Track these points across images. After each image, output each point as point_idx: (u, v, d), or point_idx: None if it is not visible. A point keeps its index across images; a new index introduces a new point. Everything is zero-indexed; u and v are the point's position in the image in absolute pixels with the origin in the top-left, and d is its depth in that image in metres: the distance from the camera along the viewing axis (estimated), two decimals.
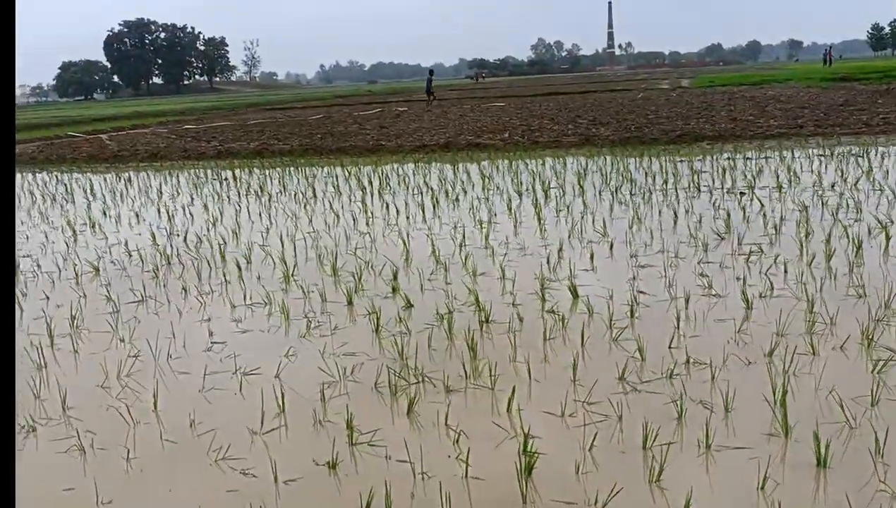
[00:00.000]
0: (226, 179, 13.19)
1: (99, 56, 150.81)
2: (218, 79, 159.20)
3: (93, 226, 9.51)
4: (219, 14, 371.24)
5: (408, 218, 8.94)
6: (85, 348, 5.11)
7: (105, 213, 10.37)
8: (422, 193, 10.58)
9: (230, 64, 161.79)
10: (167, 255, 7.59)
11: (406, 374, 4.29)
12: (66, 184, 13.82)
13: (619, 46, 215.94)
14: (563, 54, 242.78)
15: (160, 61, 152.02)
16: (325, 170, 13.77)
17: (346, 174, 12.90)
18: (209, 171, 14.54)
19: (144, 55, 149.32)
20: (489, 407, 3.89)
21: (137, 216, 10.07)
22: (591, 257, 6.69)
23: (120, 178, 14.31)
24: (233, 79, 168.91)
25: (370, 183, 11.62)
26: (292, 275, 6.54)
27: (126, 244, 8.33)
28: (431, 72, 35.40)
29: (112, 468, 3.47)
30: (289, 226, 8.86)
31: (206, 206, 10.52)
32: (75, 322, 5.57)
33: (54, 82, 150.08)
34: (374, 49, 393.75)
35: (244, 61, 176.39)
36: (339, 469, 3.34)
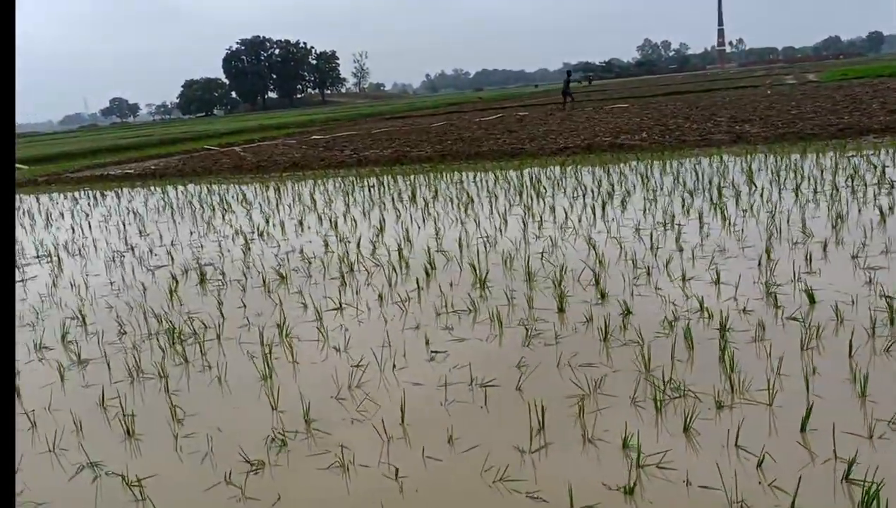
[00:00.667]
0: (372, 186, 13.17)
1: (218, 73, 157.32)
2: (329, 91, 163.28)
3: (261, 234, 9.59)
4: (329, 29, 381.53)
5: (579, 220, 8.58)
6: (302, 357, 4.99)
7: (268, 221, 10.47)
8: (582, 195, 10.19)
9: (341, 76, 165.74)
10: (349, 262, 7.49)
11: (661, 387, 3.93)
12: (219, 195, 14.14)
13: (730, 43, 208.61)
14: (671, 54, 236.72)
15: (275, 76, 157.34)
16: (471, 174, 13.56)
17: (495, 178, 12.65)
18: (352, 179, 14.59)
19: (260, 71, 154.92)
20: (780, 426, 3.48)
21: (301, 223, 10.09)
22: (808, 258, 6.15)
23: (268, 187, 14.54)
24: (343, 91, 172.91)
25: (523, 186, 11.31)
26: (485, 281, 6.29)
27: (301, 251, 8.31)
28: (569, 73, 34.57)
29: (383, 488, 3.26)
30: (458, 230, 8.65)
31: (365, 213, 10.47)
32: (283, 330, 5.48)
33: (178, 100, 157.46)
34: (477, 57, 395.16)
35: (353, 73, 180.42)
36: (638, 494, 3.01)
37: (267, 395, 4.32)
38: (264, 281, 7.02)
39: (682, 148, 14.86)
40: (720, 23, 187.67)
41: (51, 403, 4.56)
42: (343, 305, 6.06)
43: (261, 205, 12.28)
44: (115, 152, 32.99)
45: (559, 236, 7.87)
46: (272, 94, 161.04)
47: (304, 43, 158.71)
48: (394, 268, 7.07)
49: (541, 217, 8.97)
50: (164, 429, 4.04)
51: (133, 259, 8.91)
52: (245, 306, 6.34)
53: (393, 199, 11.42)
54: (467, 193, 11.17)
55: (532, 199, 10.21)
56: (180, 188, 16.26)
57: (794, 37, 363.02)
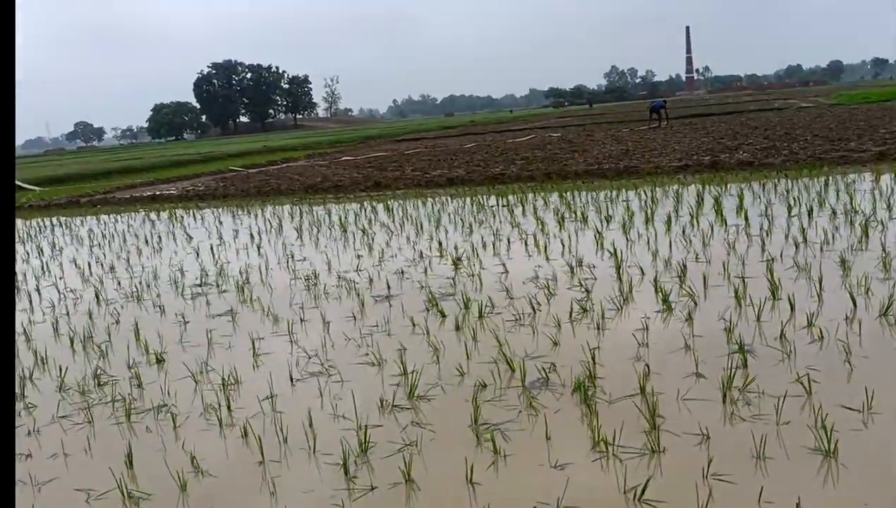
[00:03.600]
0: (503, 206, 12.07)
1: (187, 97, 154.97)
2: (300, 116, 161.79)
3: (460, 259, 8.39)
4: (289, 52, 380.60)
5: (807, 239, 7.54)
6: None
7: (440, 243, 9.28)
8: (768, 207, 9.24)
9: (313, 101, 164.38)
10: (627, 289, 6.36)
11: None
12: (339, 215, 12.89)
13: (697, 71, 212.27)
14: (638, 80, 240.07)
15: (246, 100, 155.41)
16: (608, 193, 12.52)
17: (641, 196, 11.62)
18: (466, 200, 13.46)
19: (231, 95, 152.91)
20: None
21: (491, 246, 8.94)
22: None
23: (374, 208, 13.32)
24: (312, 116, 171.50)
25: (678, 203, 10.29)
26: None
27: (551, 276, 7.16)
28: (665, 101, 34.82)
29: None
30: (683, 251, 7.60)
31: (562, 234, 9.34)
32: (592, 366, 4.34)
33: (146, 124, 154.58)
34: (443, 83, 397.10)
35: (325, 98, 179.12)
36: None
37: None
38: (534, 310, 5.85)
39: (816, 165, 13.95)
40: (688, 50, 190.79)
41: None
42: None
43: (399, 228, 11.07)
44: (130, 174, 31.39)
45: (811, 256, 6.82)
46: (244, 118, 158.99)
47: (277, 67, 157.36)
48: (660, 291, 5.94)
49: (748, 234, 7.94)
50: None
51: (359, 284, 7.65)
52: (500, 342, 5.18)
53: (579, 217, 10.30)
54: (647, 214, 10.10)
55: (716, 216, 9.19)
56: (276, 208, 14.94)
57: (755, 65, 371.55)
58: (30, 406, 4.92)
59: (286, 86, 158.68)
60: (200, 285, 8.24)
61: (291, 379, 4.97)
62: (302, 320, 6.38)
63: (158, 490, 3.63)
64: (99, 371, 5.45)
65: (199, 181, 23.82)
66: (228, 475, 3.76)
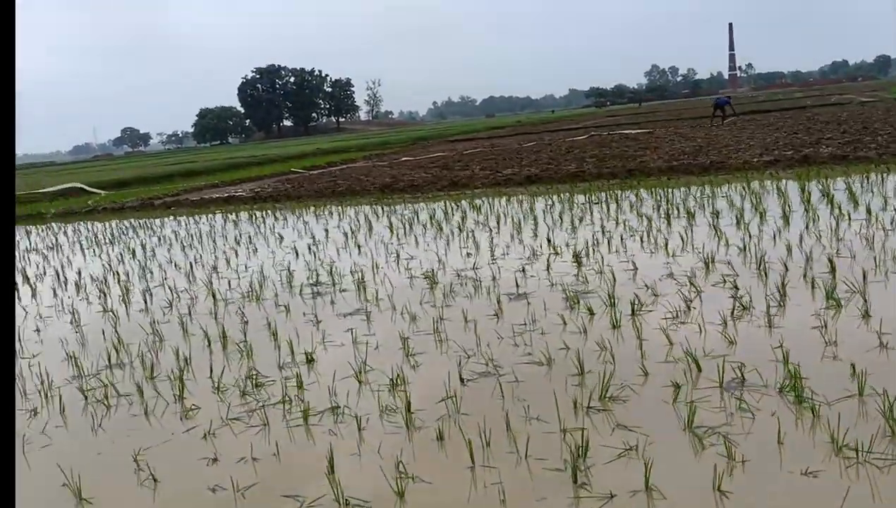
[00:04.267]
0: (595, 203, 11.78)
1: (231, 102, 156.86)
2: (342, 119, 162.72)
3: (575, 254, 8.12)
4: (331, 58, 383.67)
5: None
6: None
7: (550, 241, 9.03)
8: (887, 201, 8.81)
9: (355, 104, 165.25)
10: (778, 284, 6.04)
11: None
12: (426, 214, 12.72)
13: (739, 68, 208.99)
14: (679, 79, 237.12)
15: (289, 104, 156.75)
16: (702, 189, 12.16)
17: (738, 191, 11.23)
18: (552, 197, 13.19)
19: (275, 99, 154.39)
20: None
21: (606, 243, 8.67)
22: None
23: (458, 207, 13.10)
24: (355, 119, 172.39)
25: (784, 197, 9.89)
26: None
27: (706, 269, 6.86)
28: (729, 97, 34.10)
29: None
30: (817, 245, 7.24)
31: (658, 230, 9.03)
32: None
33: (192, 129, 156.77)
34: (482, 84, 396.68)
35: (366, 100, 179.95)
36: None
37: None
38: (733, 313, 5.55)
39: None
40: (731, 48, 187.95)
41: None
42: None
43: (499, 222, 10.83)
44: (190, 177, 31.66)
45: None
46: (287, 122, 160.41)
47: (319, 71, 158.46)
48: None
49: None
50: None
51: (484, 282, 7.43)
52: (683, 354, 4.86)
53: (684, 213, 9.97)
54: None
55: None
56: (357, 209, 14.82)
57: (798, 61, 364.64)
58: (192, 408, 4.78)
59: (329, 89, 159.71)
60: (315, 284, 8.09)
61: (462, 379, 4.76)
62: (442, 318, 6.16)
63: (373, 497, 3.43)
64: (252, 372, 5.29)
65: (264, 183, 23.87)
66: (443, 481, 3.55)
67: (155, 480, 3.82)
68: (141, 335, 6.67)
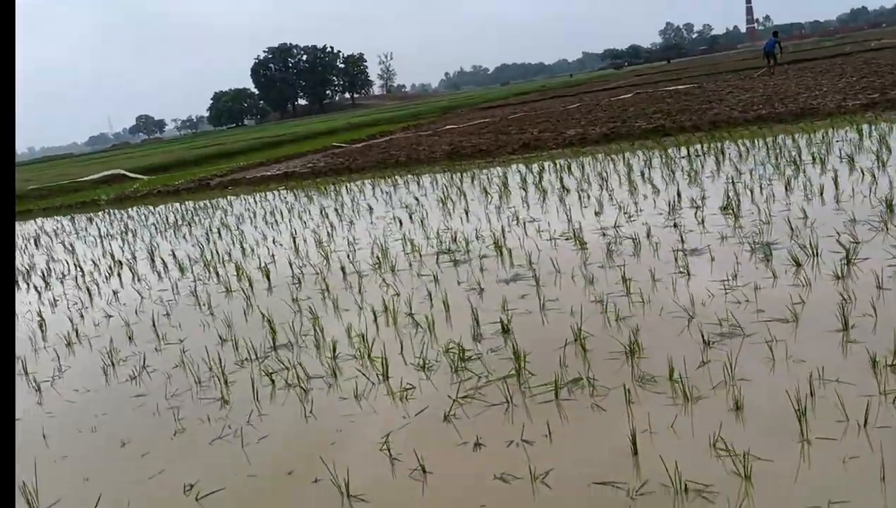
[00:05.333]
0: (696, 157, 11.16)
1: (247, 84, 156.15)
2: (357, 95, 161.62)
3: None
4: (340, 34, 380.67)
5: None
6: None
7: (681, 195, 8.45)
8: None
9: (369, 79, 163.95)
10: None
11: None
12: (516, 177, 12.16)
13: (757, 21, 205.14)
14: (694, 36, 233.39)
15: (303, 83, 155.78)
16: (808, 136, 11.51)
17: (850, 137, 10.57)
18: (645, 153, 12.59)
19: (289, 78, 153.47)
20: None
21: (748, 194, 8.09)
22: None
23: (543, 169, 12.52)
24: (369, 94, 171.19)
25: None
26: None
27: None
28: (776, 33, 30.47)
29: None
30: None
31: (795, 178, 8.42)
32: None
33: (207, 113, 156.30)
34: (493, 53, 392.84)
35: (379, 75, 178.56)
36: None
37: None
38: None
39: None
40: (748, 0, 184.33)
41: None
42: None
43: (606, 180, 10.25)
44: (229, 158, 31.33)
45: None
46: (302, 101, 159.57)
47: (331, 47, 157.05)
48: None
49: None
50: None
51: (647, 240, 6.88)
52: None
53: (818, 160, 9.36)
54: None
55: None
56: (432, 177, 14.28)
57: (816, 11, 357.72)
58: (406, 388, 4.29)
59: (342, 65, 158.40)
60: (445, 252, 7.57)
61: (706, 342, 4.22)
62: (626, 278, 5.62)
63: (716, 480, 2.92)
64: (451, 345, 4.79)
65: (310, 159, 23.37)
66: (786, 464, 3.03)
67: (424, 471, 3.33)
68: (286, 313, 6.19)
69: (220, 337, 5.83)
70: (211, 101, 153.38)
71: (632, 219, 7.76)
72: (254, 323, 6.09)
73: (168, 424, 4.34)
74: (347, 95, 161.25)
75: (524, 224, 8.32)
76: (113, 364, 5.62)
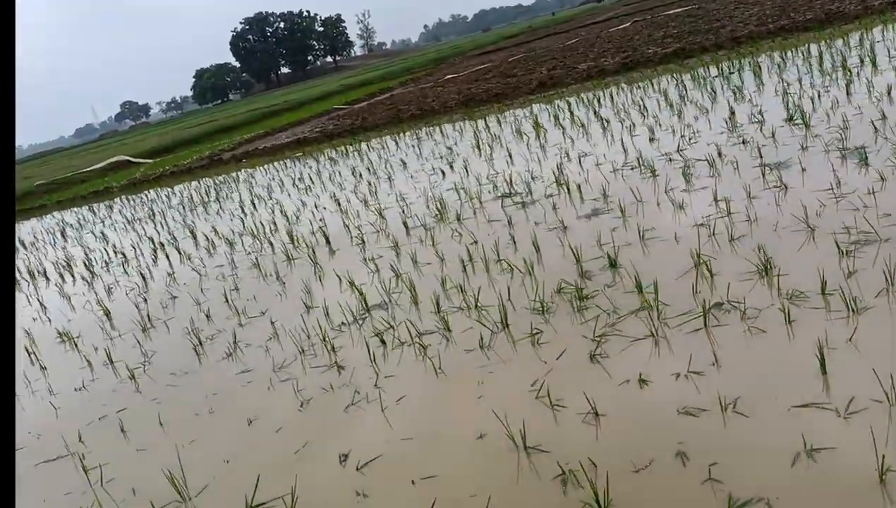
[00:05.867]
0: (730, 74, 10.82)
1: (227, 58, 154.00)
2: (339, 57, 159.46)
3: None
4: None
5: None
6: None
7: (734, 113, 8.16)
8: None
9: (349, 40, 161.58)
10: None
11: None
12: (549, 115, 11.85)
13: None
14: None
15: (284, 51, 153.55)
16: (842, 39, 11.15)
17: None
18: (666, 77, 12.25)
19: (269, 47, 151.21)
20: None
21: (797, 99, 7.79)
22: None
23: (572, 104, 12.20)
24: (351, 55, 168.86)
25: None
26: None
27: None
28: None
29: None
30: None
31: (847, 85, 8.13)
32: None
33: (191, 91, 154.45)
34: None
35: (359, 35, 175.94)
36: None
37: None
38: None
39: None
40: None
41: None
42: None
43: (645, 107, 9.96)
44: (231, 132, 30.92)
45: None
46: (284, 69, 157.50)
47: (308, 11, 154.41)
48: None
49: None
50: None
51: (720, 158, 6.64)
52: None
53: (867, 61, 9.05)
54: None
55: None
56: (455, 126, 13.97)
57: None
58: (534, 332, 4.09)
59: (321, 28, 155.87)
60: (507, 196, 7.34)
61: (843, 252, 4.02)
62: (719, 199, 5.38)
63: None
64: (561, 284, 4.59)
65: (316, 123, 23.01)
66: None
67: (597, 415, 3.15)
68: (363, 273, 6.00)
69: (306, 305, 5.63)
70: (194, 79, 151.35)
71: (693, 141, 7.50)
72: (331, 287, 5.90)
73: (288, 396, 4.16)
74: (329, 59, 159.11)
75: (578, 159, 8.06)
76: (200, 343, 5.44)
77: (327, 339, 4.74)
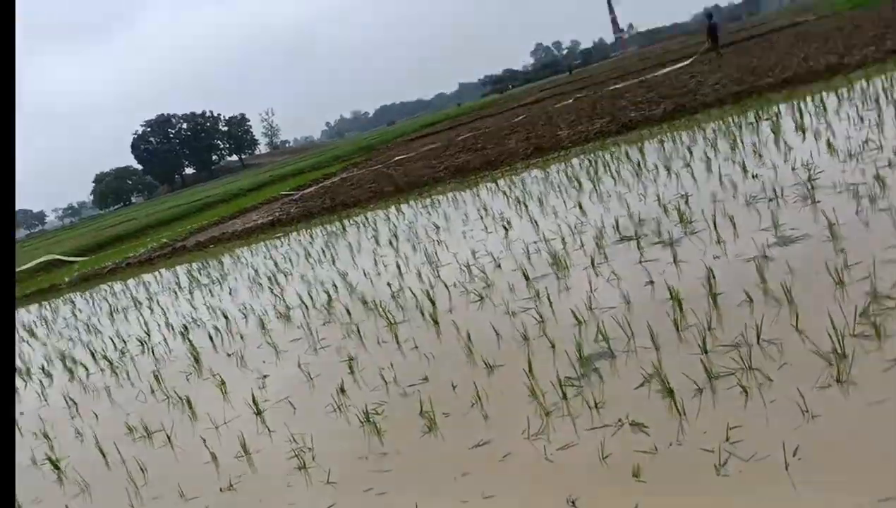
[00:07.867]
0: (767, 119, 10.68)
1: (128, 161, 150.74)
2: (244, 155, 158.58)
3: None
4: (224, 97, 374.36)
5: None
6: None
7: (762, 156, 7.82)
8: None
9: (254, 138, 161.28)
10: None
11: None
12: (572, 174, 11.35)
13: (623, 30, 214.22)
14: (564, 51, 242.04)
15: (187, 151, 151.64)
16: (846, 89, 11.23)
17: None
18: (669, 135, 12.04)
19: (172, 148, 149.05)
20: None
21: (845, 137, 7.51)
22: None
23: (575, 166, 11.79)
24: (257, 152, 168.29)
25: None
26: None
27: None
28: (710, 15, 29.35)
29: None
30: None
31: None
32: None
33: (91, 196, 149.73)
34: (368, 96, 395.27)
35: (263, 133, 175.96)
36: None
37: None
38: None
39: None
40: (611, 11, 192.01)
41: None
42: None
43: (671, 160, 9.57)
44: (173, 224, 29.45)
45: None
46: (189, 169, 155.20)
47: (211, 112, 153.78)
48: None
49: None
50: None
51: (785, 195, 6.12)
52: None
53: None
54: None
55: None
56: (455, 194, 13.31)
57: (674, 14, 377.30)
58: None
59: (225, 128, 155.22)
60: (628, 239, 6.63)
61: None
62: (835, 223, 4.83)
63: None
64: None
65: (275, 207, 22.16)
66: None
67: None
68: (507, 327, 5.11)
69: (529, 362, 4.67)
70: (93, 184, 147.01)
71: (791, 169, 7.02)
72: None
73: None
74: (235, 157, 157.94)
75: (681, 200, 7.46)
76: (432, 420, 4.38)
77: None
